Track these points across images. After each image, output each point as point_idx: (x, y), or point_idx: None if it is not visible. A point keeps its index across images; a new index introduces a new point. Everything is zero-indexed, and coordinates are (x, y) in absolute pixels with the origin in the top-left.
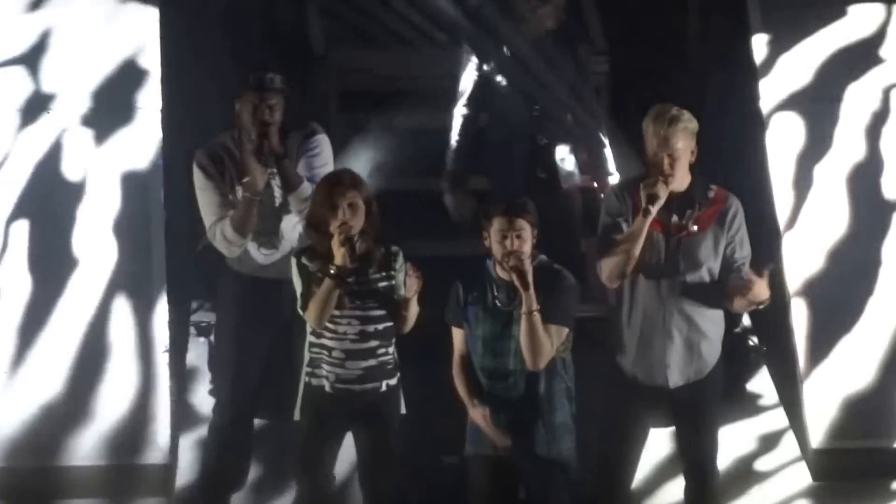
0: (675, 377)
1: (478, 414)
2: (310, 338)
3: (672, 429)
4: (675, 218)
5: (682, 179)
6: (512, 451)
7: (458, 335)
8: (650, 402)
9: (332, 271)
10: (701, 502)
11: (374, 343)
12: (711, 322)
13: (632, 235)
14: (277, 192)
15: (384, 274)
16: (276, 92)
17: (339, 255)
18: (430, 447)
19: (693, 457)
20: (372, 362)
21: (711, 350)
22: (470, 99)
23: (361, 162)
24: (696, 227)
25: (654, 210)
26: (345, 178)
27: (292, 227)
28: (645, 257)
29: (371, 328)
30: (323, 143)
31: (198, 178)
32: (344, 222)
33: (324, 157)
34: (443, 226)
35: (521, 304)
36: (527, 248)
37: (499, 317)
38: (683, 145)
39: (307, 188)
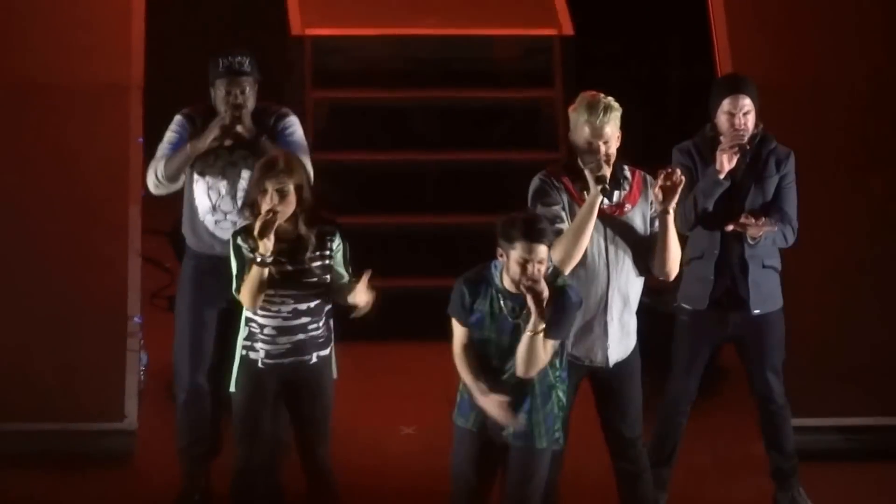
0: (614, 355)
1: (492, 402)
2: (246, 313)
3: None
4: (606, 201)
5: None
6: (500, 432)
7: (459, 328)
8: (583, 379)
9: (257, 259)
10: (636, 478)
11: (305, 319)
12: (636, 298)
13: (584, 217)
14: (245, 174)
15: (319, 254)
16: (246, 75)
17: (261, 243)
18: (389, 418)
19: (623, 431)
20: (301, 336)
21: (634, 326)
22: None
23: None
24: (629, 206)
25: (607, 187)
26: (278, 163)
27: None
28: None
29: (304, 306)
30: (297, 124)
31: (176, 119)
32: (270, 209)
33: (299, 135)
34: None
35: (529, 319)
36: (544, 270)
37: (506, 325)
38: (615, 132)
39: None
